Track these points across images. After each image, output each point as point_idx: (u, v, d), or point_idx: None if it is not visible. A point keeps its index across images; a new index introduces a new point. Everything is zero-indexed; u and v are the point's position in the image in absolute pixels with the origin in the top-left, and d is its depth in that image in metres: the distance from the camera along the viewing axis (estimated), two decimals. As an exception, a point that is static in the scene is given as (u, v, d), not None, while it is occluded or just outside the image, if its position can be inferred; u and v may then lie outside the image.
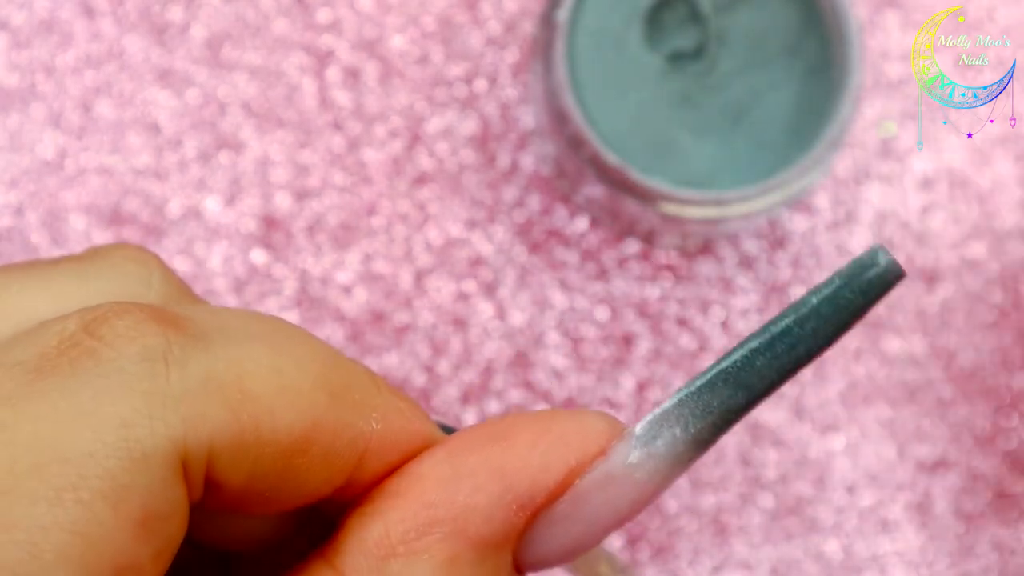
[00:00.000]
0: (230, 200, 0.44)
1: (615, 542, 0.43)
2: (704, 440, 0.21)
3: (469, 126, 0.45)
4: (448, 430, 0.23)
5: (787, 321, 0.21)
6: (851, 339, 0.44)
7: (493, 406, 0.43)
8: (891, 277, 0.22)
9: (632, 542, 0.43)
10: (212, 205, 0.44)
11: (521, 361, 0.44)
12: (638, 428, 0.21)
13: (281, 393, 0.20)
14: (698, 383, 0.21)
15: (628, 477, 0.21)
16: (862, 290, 0.22)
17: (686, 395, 0.21)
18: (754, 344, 0.21)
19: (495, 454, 0.21)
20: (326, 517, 0.22)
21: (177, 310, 0.21)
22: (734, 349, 0.21)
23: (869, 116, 0.45)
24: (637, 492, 0.21)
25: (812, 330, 0.21)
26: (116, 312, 0.20)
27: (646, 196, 0.40)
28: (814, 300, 0.21)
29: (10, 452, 0.18)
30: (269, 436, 0.20)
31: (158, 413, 0.19)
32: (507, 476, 0.21)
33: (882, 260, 0.22)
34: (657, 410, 0.21)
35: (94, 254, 0.24)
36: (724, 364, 0.21)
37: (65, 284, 0.23)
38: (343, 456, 0.21)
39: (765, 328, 0.21)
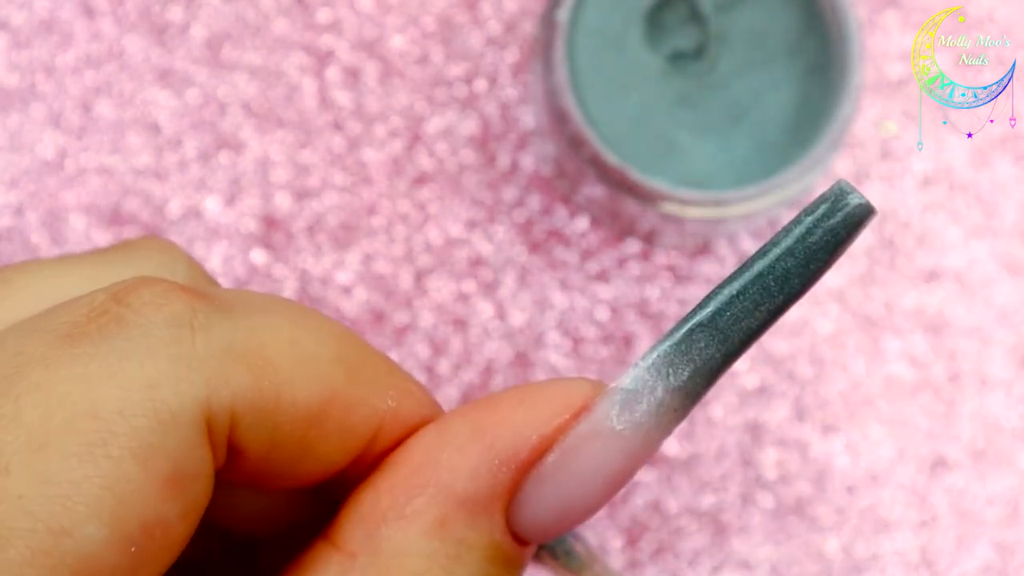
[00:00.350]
0: (230, 200, 0.44)
1: (615, 542, 0.43)
2: (688, 392, 0.21)
3: (469, 126, 0.45)
4: None
5: (760, 266, 0.21)
6: (851, 339, 0.44)
7: (493, 406, 0.43)
8: (860, 216, 0.21)
9: (632, 542, 0.43)
10: (212, 205, 0.44)
11: (521, 361, 0.44)
12: (620, 382, 0.21)
13: (300, 364, 0.21)
14: (677, 336, 0.21)
15: (613, 432, 0.21)
16: (833, 232, 0.21)
17: (666, 348, 0.21)
18: (730, 291, 0.21)
19: (478, 417, 0.21)
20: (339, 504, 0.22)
21: (202, 286, 0.22)
22: (708, 298, 0.21)
23: (869, 116, 0.45)
24: (625, 448, 0.21)
25: (786, 274, 0.21)
26: (144, 283, 0.21)
27: (646, 196, 0.40)
28: (786, 243, 0.21)
29: (44, 410, 0.19)
30: (288, 404, 0.20)
31: (184, 375, 0.20)
32: (489, 434, 0.21)
33: (851, 201, 0.21)
34: (638, 365, 0.21)
35: (123, 245, 0.25)
36: (700, 316, 0.21)
37: (95, 269, 0.24)
38: (358, 430, 0.21)
39: (739, 273, 0.21)
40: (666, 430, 0.21)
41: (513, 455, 0.21)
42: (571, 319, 0.44)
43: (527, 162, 0.45)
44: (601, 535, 0.43)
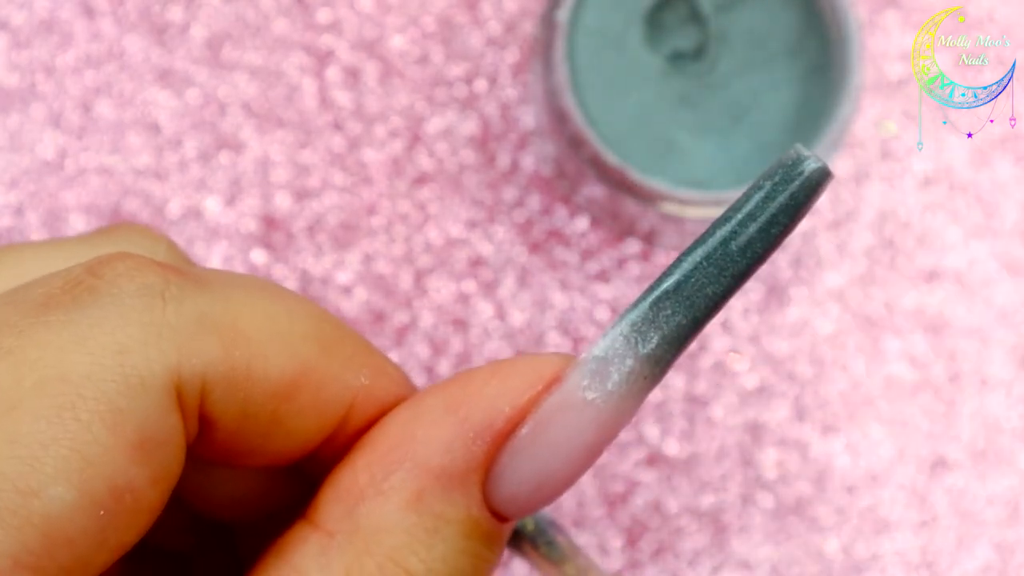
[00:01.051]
0: (230, 200, 0.44)
1: (615, 542, 0.43)
2: (657, 359, 0.21)
3: (469, 126, 0.45)
4: None
5: (723, 233, 0.21)
6: (851, 339, 0.44)
7: (493, 406, 0.43)
8: (818, 180, 0.21)
9: (632, 542, 0.43)
10: (212, 205, 0.44)
11: (521, 361, 0.44)
12: (589, 352, 0.21)
13: (273, 337, 0.21)
14: (644, 304, 0.21)
15: (585, 401, 0.21)
16: (793, 196, 0.21)
17: (633, 317, 0.21)
18: (693, 259, 0.21)
19: (451, 392, 0.21)
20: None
21: (179, 264, 0.22)
22: (673, 265, 0.21)
23: (869, 116, 0.45)
24: (598, 417, 0.21)
25: (748, 240, 0.21)
26: (119, 256, 0.21)
27: (646, 196, 0.40)
28: (747, 209, 0.21)
29: (15, 373, 0.19)
30: (260, 376, 0.21)
31: (154, 342, 0.20)
32: (462, 408, 0.21)
33: (808, 165, 0.21)
34: (606, 334, 0.21)
35: (104, 229, 0.26)
36: (666, 284, 0.21)
37: (77, 250, 0.24)
38: (331, 406, 0.22)
39: (701, 240, 0.21)
40: (638, 398, 0.21)
41: (486, 427, 0.21)
42: (571, 319, 0.44)
43: (527, 162, 0.45)
44: (601, 535, 0.43)
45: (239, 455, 0.22)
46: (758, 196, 0.21)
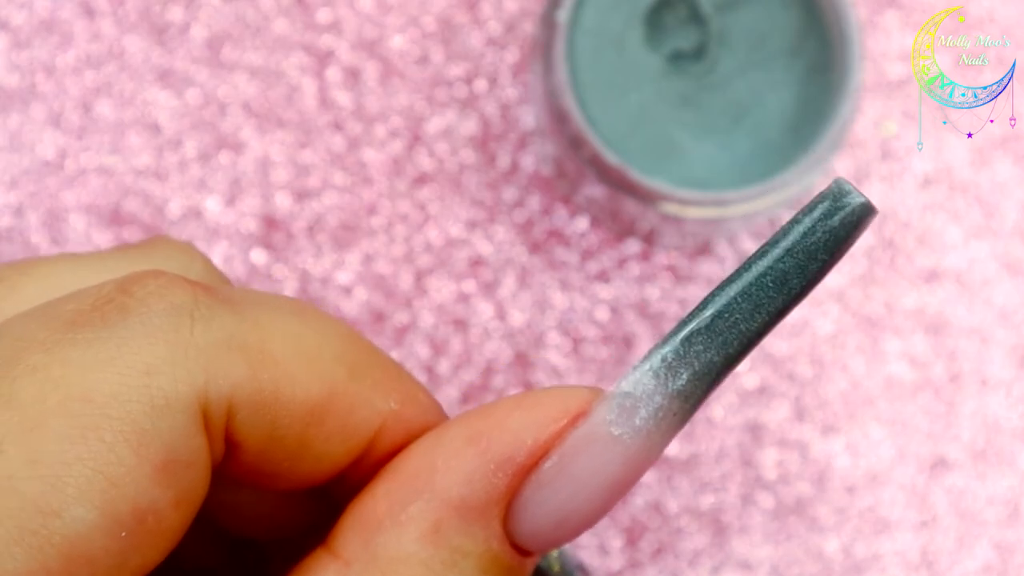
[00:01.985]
0: (230, 200, 0.44)
1: (615, 542, 0.43)
2: (687, 396, 0.20)
3: (469, 126, 0.45)
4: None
5: (759, 268, 0.20)
6: (851, 339, 0.44)
7: (493, 406, 0.43)
8: (861, 216, 0.20)
9: (632, 542, 0.43)
10: (212, 205, 0.44)
11: (521, 361, 0.44)
12: (618, 387, 0.20)
13: (302, 359, 0.21)
14: (675, 340, 0.20)
15: (611, 437, 0.20)
16: (833, 232, 0.20)
17: (664, 353, 0.20)
18: (728, 294, 0.20)
19: (474, 422, 0.21)
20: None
21: (213, 283, 0.22)
22: (707, 300, 0.20)
23: (869, 116, 0.45)
24: (624, 453, 0.20)
25: (784, 276, 0.20)
26: (151, 274, 0.21)
27: (646, 196, 0.40)
28: (784, 244, 0.20)
29: (40, 391, 0.19)
30: (288, 399, 0.20)
31: (181, 362, 0.20)
32: (484, 439, 0.21)
33: (851, 200, 0.20)
34: (636, 368, 0.20)
35: (141, 243, 0.25)
36: (698, 320, 0.20)
37: (112, 264, 0.24)
38: (359, 430, 0.21)
39: (737, 275, 0.20)
40: (666, 436, 0.20)
41: (508, 459, 0.20)
42: (571, 319, 0.44)
43: (527, 162, 0.45)
44: (601, 535, 0.43)
45: (266, 477, 0.22)
46: (798, 231, 0.20)
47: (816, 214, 0.20)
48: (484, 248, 0.44)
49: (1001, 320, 0.45)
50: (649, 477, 0.43)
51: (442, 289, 0.44)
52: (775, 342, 0.44)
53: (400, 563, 0.20)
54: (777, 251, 0.20)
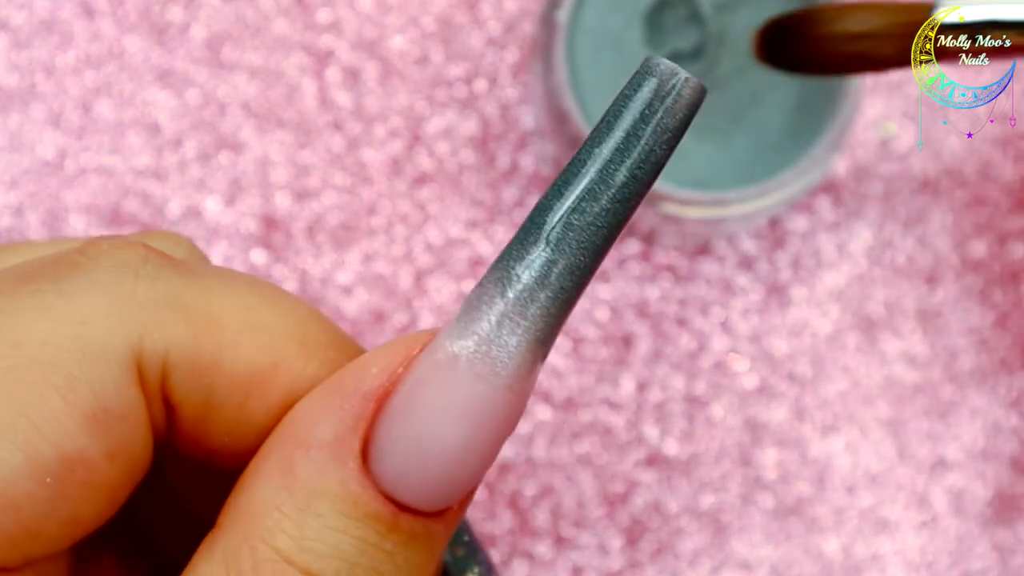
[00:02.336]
0: (230, 200, 0.44)
1: (615, 542, 0.43)
2: (528, 300, 0.19)
3: (469, 126, 0.45)
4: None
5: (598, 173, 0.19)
6: (851, 339, 0.44)
7: (493, 406, 0.43)
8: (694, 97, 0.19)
9: (632, 542, 0.43)
10: (212, 205, 0.44)
11: (521, 361, 0.44)
12: (458, 313, 0.19)
13: (248, 328, 0.21)
14: (517, 244, 0.19)
15: (453, 355, 0.19)
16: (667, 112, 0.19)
17: (502, 271, 0.19)
18: (569, 199, 0.19)
19: (338, 371, 0.21)
20: None
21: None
22: (541, 209, 0.19)
23: (869, 116, 0.45)
24: (470, 369, 0.19)
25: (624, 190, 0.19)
26: (108, 238, 0.21)
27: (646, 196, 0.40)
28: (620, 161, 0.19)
29: None
30: (228, 365, 0.20)
31: (117, 314, 0.20)
32: (336, 379, 0.20)
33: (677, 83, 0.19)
34: (473, 292, 0.19)
35: (136, 234, 0.25)
36: (533, 232, 0.19)
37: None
38: None
39: (563, 184, 0.19)
40: (513, 353, 0.19)
41: (354, 390, 0.19)
42: (571, 319, 0.44)
43: (527, 162, 0.45)
44: (601, 535, 0.43)
45: (210, 450, 0.21)
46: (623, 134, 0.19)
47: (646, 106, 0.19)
48: (484, 248, 0.44)
49: (1001, 320, 0.45)
50: (649, 477, 0.43)
51: (442, 289, 0.44)
52: (775, 342, 0.44)
53: (257, 514, 0.19)
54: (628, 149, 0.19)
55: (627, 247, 0.44)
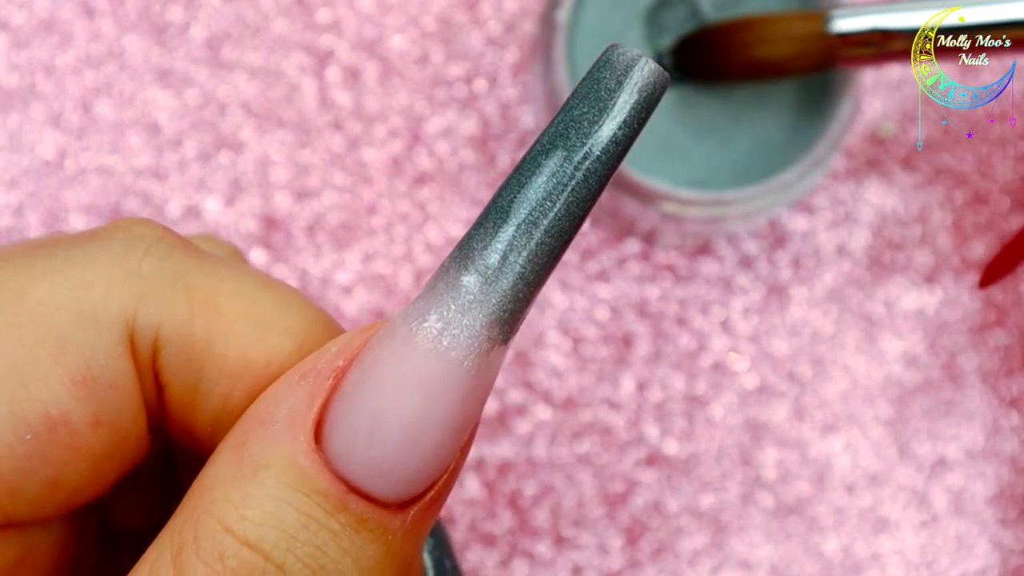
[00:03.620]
0: (230, 200, 0.44)
1: (615, 542, 0.43)
2: (480, 272, 0.19)
3: (469, 126, 0.45)
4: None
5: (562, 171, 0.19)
6: (851, 339, 0.44)
7: (493, 406, 0.43)
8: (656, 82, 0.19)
9: (632, 542, 0.43)
10: (212, 205, 0.44)
11: (521, 361, 0.44)
12: (419, 294, 0.19)
13: (247, 320, 0.20)
14: (474, 237, 0.19)
15: (406, 331, 0.19)
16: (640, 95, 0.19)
17: (464, 252, 0.19)
18: (537, 190, 0.19)
19: (290, 359, 0.21)
20: None
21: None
22: (504, 189, 0.19)
23: (869, 116, 0.45)
24: (416, 347, 0.18)
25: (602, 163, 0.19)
26: (136, 217, 0.21)
27: (646, 196, 0.40)
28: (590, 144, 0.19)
29: None
30: (219, 352, 0.20)
31: (117, 283, 0.20)
32: (297, 364, 0.20)
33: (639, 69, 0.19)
34: (435, 273, 0.19)
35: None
36: (503, 212, 0.19)
37: None
38: None
39: (525, 173, 0.19)
40: (470, 332, 0.19)
41: (311, 368, 0.19)
42: (571, 319, 0.44)
43: (527, 162, 0.45)
44: (601, 535, 0.43)
45: (197, 443, 0.21)
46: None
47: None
48: (484, 248, 0.44)
49: (1001, 320, 0.45)
50: (649, 477, 0.43)
51: (442, 289, 0.44)
52: (775, 342, 0.44)
53: (206, 490, 0.19)
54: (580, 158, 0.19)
55: (627, 247, 0.44)
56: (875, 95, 0.45)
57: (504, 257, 0.19)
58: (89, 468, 0.20)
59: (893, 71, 0.45)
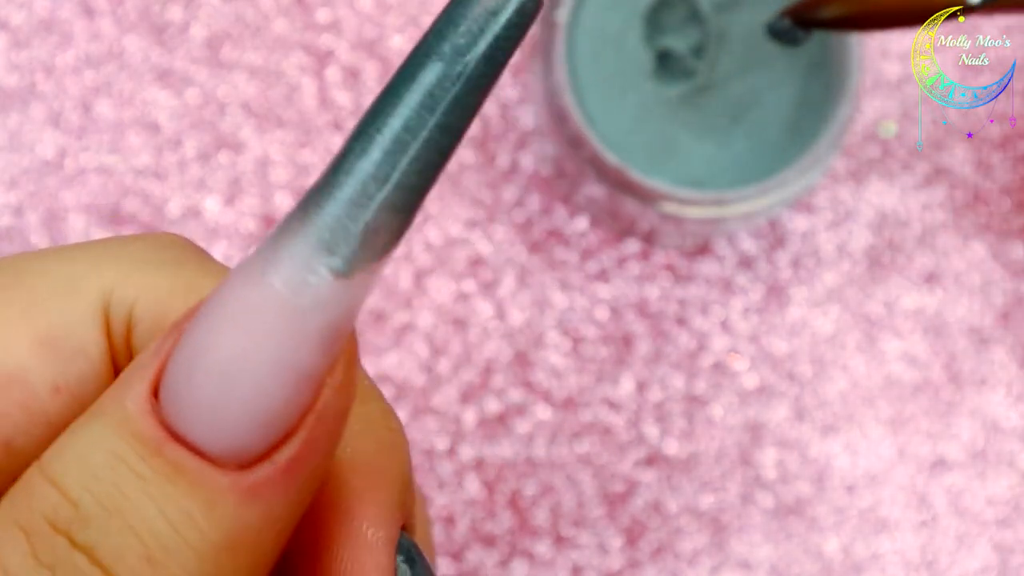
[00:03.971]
0: (230, 200, 0.44)
1: (615, 542, 0.43)
2: (311, 202, 0.17)
3: (469, 126, 0.45)
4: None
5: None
6: (851, 339, 0.44)
7: (493, 406, 0.43)
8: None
9: (632, 542, 0.43)
10: (212, 205, 0.44)
11: (521, 361, 0.44)
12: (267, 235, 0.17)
13: None
14: (327, 172, 0.17)
15: (238, 274, 0.17)
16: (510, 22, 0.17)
17: (310, 195, 0.17)
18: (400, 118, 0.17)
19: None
20: None
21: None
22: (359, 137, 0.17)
23: (869, 116, 0.45)
24: (241, 290, 0.17)
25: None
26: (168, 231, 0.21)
27: (646, 196, 0.40)
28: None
29: None
30: None
31: (99, 256, 0.20)
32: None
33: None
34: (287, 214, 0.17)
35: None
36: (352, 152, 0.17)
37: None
38: None
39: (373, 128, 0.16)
40: (293, 256, 0.16)
41: (171, 322, 0.18)
42: (571, 319, 0.44)
43: (527, 162, 0.45)
44: (601, 535, 0.43)
45: None
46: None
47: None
48: (484, 248, 0.44)
49: (1001, 320, 0.45)
50: (649, 477, 0.43)
51: (442, 289, 0.44)
52: (775, 342, 0.44)
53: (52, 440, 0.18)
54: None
55: (627, 247, 0.44)
56: (875, 95, 0.45)
57: (334, 178, 0.17)
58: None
59: (893, 70, 0.45)
